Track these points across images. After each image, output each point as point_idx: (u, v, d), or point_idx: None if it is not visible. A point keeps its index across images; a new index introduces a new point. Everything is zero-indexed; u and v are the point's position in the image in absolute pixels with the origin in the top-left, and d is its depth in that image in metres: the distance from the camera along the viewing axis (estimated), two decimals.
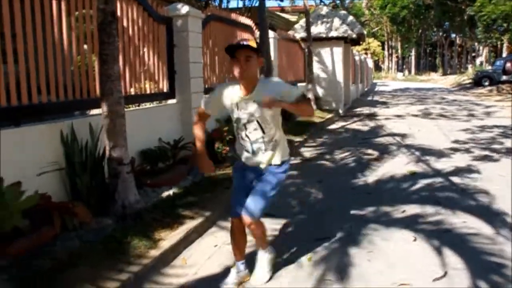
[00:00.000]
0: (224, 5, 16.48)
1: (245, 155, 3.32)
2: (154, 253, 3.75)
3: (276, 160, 3.28)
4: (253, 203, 3.19)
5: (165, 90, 6.79)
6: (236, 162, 3.48)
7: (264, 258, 3.49)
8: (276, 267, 3.62)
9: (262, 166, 3.27)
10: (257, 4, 11.76)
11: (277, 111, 3.17)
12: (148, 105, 6.66)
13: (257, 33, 10.44)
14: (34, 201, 3.74)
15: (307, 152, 8.96)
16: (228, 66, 9.09)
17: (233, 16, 9.89)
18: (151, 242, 3.92)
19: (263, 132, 3.19)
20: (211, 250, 4.12)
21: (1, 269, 3.17)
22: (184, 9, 6.84)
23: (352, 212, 5.06)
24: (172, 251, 3.92)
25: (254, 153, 3.26)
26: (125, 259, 3.59)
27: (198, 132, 3.38)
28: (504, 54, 44.26)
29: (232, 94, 3.19)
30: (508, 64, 30.94)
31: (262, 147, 3.23)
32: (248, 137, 3.23)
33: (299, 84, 15.16)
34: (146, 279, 3.49)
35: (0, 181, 3.73)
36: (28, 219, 3.64)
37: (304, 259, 3.86)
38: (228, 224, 4.69)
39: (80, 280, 3.23)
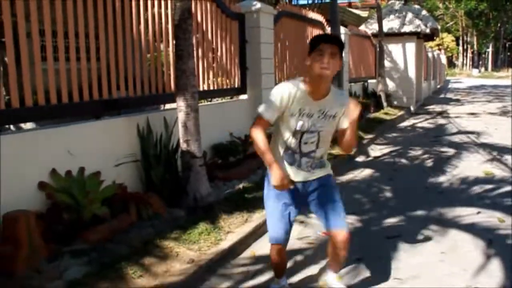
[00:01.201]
0: (294, 1, 16.47)
1: (287, 167, 2.82)
2: (224, 244, 3.84)
3: (325, 172, 2.92)
4: (339, 215, 2.84)
5: (236, 86, 6.90)
6: (268, 173, 2.80)
7: (335, 282, 3.14)
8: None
9: (308, 179, 2.86)
10: (327, 0, 11.65)
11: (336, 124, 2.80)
12: (220, 100, 6.80)
13: (328, 29, 10.36)
14: (112, 191, 3.94)
15: (378, 150, 8.82)
16: (299, 62, 9.10)
17: (304, 12, 9.87)
18: (221, 233, 4.02)
19: (317, 146, 2.78)
20: None
21: (82, 253, 3.35)
22: (256, 5, 6.91)
23: (424, 211, 4.95)
24: (241, 243, 4.00)
25: (299, 166, 2.81)
26: (196, 249, 3.70)
27: (263, 140, 2.68)
28: None
29: (298, 95, 2.67)
30: None
31: (311, 162, 2.82)
32: (299, 149, 2.77)
33: (369, 81, 14.95)
34: (215, 270, 3.57)
35: (82, 170, 3.94)
36: (107, 207, 3.83)
37: (373, 256, 3.82)
38: (298, 218, 4.75)
39: (152, 268, 3.36)
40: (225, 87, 6.62)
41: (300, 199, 2.90)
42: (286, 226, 2.89)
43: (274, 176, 2.61)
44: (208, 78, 6.17)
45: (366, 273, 3.55)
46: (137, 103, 5.05)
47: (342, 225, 2.82)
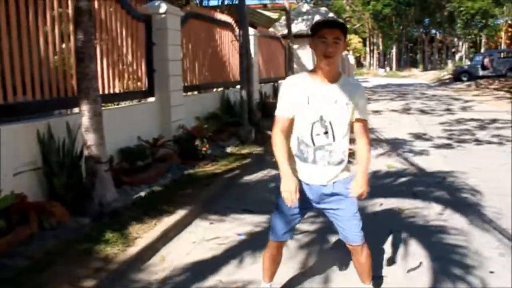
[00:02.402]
0: (205, 3, 16.46)
1: (301, 166, 2.68)
2: (132, 250, 3.76)
3: (345, 175, 2.74)
4: (354, 228, 2.76)
5: (144, 89, 6.78)
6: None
7: None
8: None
9: (322, 182, 2.68)
10: (237, 2, 11.75)
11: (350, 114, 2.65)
12: (127, 103, 6.66)
13: (237, 30, 10.45)
14: (9, 201, 3.73)
15: None
16: (211, 62, 9.11)
17: (213, 13, 9.89)
18: (129, 239, 3.93)
19: (333, 138, 2.61)
20: (190, 247, 4.14)
21: None
22: (163, 6, 6.83)
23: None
24: (149, 248, 3.93)
25: (314, 161, 2.64)
26: (102, 257, 3.60)
27: (280, 145, 2.61)
28: (483, 50, 44.84)
29: (304, 83, 2.59)
30: (486, 60, 31.39)
31: (327, 156, 2.63)
32: (312, 142, 2.61)
33: (280, 81, 15.22)
34: (124, 277, 3.49)
35: None
36: (4, 219, 3.63)
37: None
38: (205, 221, 4.76)
39: (57, 279, 3.22)
40: (131, 90, 6.49)
41: (314, 202, 2.77)
42: (293, 227, 2.87)
43: (284, 186, 2.55)
44: (114, 81, 6.02)
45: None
46: (38, 108, 4.80)
47: (357, 240, 2.76)
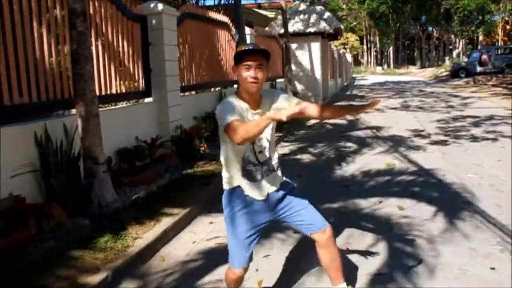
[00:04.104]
0: (201, 2, 16.44)
1: (249, 185, 2.69)
2: (131, 251, 3.75)
3: (283, 178, 2.85)
4: (316, 213, 2.81)
5: (141, 89, 6.77)
6: (228, 195, 2.76)
7: None
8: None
9: (272, 189, 2.74)
10: (233, 1, 11.74)
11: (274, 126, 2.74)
12: (124, 104, 6.65)
13: (234, 30, 10.44)
14: (7, 204, 3.73)
15: (286, 147, 9.00)
16: (207, 62, 9.10)
17: (209, 13, 9.88)
18: (128, 240, 3.93)
19: (272, 151, 2.74)
20: (189, 247, 4.13)
21: None
22: (158, 7, 6.82)
23: (330, 204, 5.11)
24: (149, 248, 3.92)
25: (261, 177, 2.69)
26: (102, 258, 3.59)
27: (247, 124, 2.41)
28: (480, 46, 44.87)
29: (240, 108, 2.58)
30: (484, 56, 31.46)
31: (270, 168, 2.73)
32: (257, 159, 2.67)
33: (277, 80, 15.22)
34: (123, 277, 3.48)
35: None
36: (3, 221, 3.62)
37: (281, 250, 3.89)
38: (205, 220, 4.75)
39: (56, 281, 3.22)
40: (129, 90, 6.48)
41: (269, 215, 2.77)
42: (250, 250, 2.75)
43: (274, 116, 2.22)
44: (110, 82, 6.01)
45: (277, 268, 3.61)
46: (34, 109, 4.79)
47: (324, 223, 2.77)
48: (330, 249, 2.79)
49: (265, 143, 2.68)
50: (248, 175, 2.68)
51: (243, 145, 2.57)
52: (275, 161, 2.77)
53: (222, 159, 2.74)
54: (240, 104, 2.59)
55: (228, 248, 2.78)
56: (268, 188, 2.72)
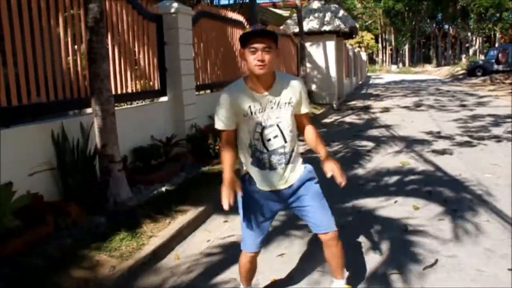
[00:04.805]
0: (215, 2, 16.47)
1: (260, 174, 2.66)
2: (147, 249, 3.78)
3: (301, 169, 2.77)
4: (327, 215, 2.76)
5: (156, 88, 6.81)
6: (243, 179, 2.72)
7: None
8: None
9: (285, 185, 2.69)
10: (248, 0, 11.75)
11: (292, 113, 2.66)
12: (140, 103, 6.69)
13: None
14: (25, 201, 3.77)
15: (301, 146, 8.96)
16: (222, 61, 9.11)
17: (224, 12, 9.89)
18: (144, 238, 3.95)
19: (285, 140, 2.62)
20: (204, 245, 4.15)
21: None
22: (174, 6, 6.85)
23: (344, 204, 5.09)
24: (164, 246, 3.95)
25: (271, 167, 2.63)
26: (117, 256, 3.62)
27: (226, 156, 2.59)
28: (497, 44, 44.36)
29: (243, 94, 2.56)
30: (501, 54, 31.08)
31: (283, 160, 2.64)
32: (265, 147, 2.60)
33: None
34: (139, 275, 3.51)
35: None
36: (20, 219, 3.67)
37: (296, 250, 3.89)
38: (219, 219, 4.76)
39: (73, 278, 3.25)
40: (144, 89, 6.52)
41: (278, 205, 2.78)
42: (262, 234, 2.78)
43: (223, 192, 2.47)
44: (126, 81, 6.05)
45: (291, 266, 3.61)
46: (52, 108, 4.84)
47: (332, 226, 2.73)
48: (332, 249, 2.77)
49: (276, 132, 2.59)
50: (257, 162, 2.64)
51: (250, 134, 2.60)
52: (290, 151, 2.66)
53: (237, 143, 2.73)
54: (243, 86, 2.58)
55: (241, 231, 2.80)
56: (278, 182, 2.66)
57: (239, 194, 2.60)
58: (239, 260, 2.90)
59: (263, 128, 2.58)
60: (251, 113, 2.55)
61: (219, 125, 2.60)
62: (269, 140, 2.60)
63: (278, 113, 2.58)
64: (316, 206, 2.73)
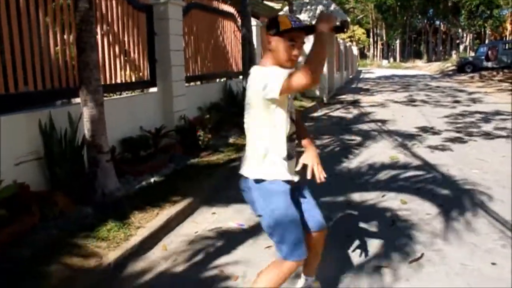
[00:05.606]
0: None
1: (286, 165, 2.43)
2: (134, 239, 3.77)
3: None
4: (320, 213, 2.66)
5: (145, 79, 6.77)
6: (276, 182, 2.40)
7: None
8: None
9: (296, 178, 2.52)
10: None
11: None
12: (129, 93, 6.65)
13: (240, 21, 10.42)
14: (11, 191, 3.73)
15: None
16: (212, 53, 9.07)
17: (215, 4, 9.85)
18: (131, 229, 3.94)
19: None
20: (192, 237, 4.14)
21: None
22: None
23: (333, 197, 5.11)
24: (152, 237, 3.94)
25: (290, 156, 2.45)
26: (104, 246, 3.60)
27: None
28: (487, 41, 44.61)
29: None
30: (491, 51, 31.27)
31: (293, 147, 2.51)
32: (290, 135, 2.46)
33: None
34: (126, 266, 3.50)
35: None
36: (6, 209, 3.63)
37: None
38: (207, 211, 4.76)
39: (60, 268, 3.23)
40: (133, 80, 6.48)
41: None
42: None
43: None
44: (115, 71, 6.01)
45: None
46: (39, 98, 4.80)
47: (318, 226, 2.62)
48: (318, 248, 2.70)
49: (292, 118, 2.46)
50: (288, 152, 2.44)
51: (289, 116, 2.40)
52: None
53: (261, 135, 2.43)
54: None
55: (283, 239, 2.39)
56: (294, 173, 2.50)
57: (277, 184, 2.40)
58: (283, 274, 2.39)
59: (291, 113, 2.47)
60: (287, 98, 2.41)
61: (282, 77, 2.23)
62: (290, 127, 2.45)
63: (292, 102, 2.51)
64: (308, 206, 2.63)
